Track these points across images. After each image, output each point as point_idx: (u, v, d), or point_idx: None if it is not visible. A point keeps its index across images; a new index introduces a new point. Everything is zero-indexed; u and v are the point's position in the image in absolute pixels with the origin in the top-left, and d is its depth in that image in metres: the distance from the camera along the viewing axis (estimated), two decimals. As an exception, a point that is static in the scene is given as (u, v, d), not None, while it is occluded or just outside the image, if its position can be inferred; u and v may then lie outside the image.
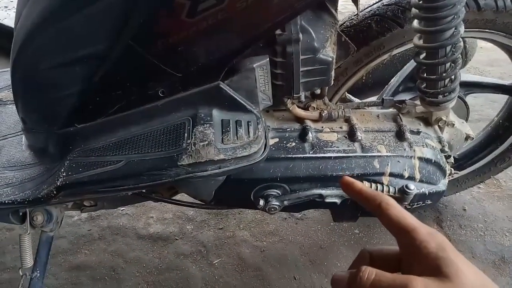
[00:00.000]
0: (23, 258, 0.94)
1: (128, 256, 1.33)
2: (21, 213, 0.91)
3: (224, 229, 1.41)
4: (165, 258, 1.32)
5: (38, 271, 0.95)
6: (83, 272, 1.28)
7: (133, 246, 1.36)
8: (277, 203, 0.85)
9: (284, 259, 1.30)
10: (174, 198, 1.03)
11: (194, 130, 0.73)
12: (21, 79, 0.77)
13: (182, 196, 1.04)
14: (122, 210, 1.50)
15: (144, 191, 0.91)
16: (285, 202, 0.86)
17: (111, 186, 0.73)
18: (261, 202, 0.85)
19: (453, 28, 0.78)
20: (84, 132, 0.79)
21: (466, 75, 1.24)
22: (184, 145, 0.71)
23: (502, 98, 1.29)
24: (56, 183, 0.74)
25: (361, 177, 0.84)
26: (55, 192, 0.75)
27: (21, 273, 0.93)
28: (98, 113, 0.77)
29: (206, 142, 0.70)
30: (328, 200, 0.86)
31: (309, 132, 0.87)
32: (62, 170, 0.75)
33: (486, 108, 1.98)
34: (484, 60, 2.47)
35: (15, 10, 0.78)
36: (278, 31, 0.73)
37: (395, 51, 0.99)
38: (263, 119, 0.80)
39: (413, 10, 0.80)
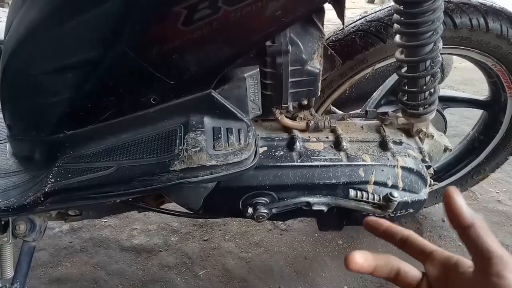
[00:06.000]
0: (3, 269, 0.91)
1: (111, 268, 1.30)
2: (3, 222, 0.89)
3: (209, 240, 1.40)
4: (149, 270, 1.30)
5: (18, 283, 0.92)
6: (63, 285, 1.24)
7: (116, 258, 1.34)
8: (266, 211, 0.86)
9: (269, 270, 1.30)
10: (161, 207, 1.02)
11: (186, 137, 0.73)
12: (11, 85, 0.77)
13: (168, 207, 1.04)
14: (104, 221, 1.47)
15: (132, 198, 0.91)
16: (273, 210, 0.88)
17: (102, 192, 0.72)
18: (250, 210, 0.86)
19: (433, 43, 0.83)
20: (74, 138, 0.78)
21: (443, 90, 1.30)
22: (176, 151, 0.72)
23: (476, 115, 1.35)
24: (44, 189, 0.73)
25: (346, 185, 0.87)
26: (42, 199, 0.74)
27: (0, 285, 0.90)
28: (89, 119, 0.76)
29: (198, 148, 0.71)
30: (315, 207, 0.87)
31: (297, 142, 0.89)
32: (50, 176, 0.75)
33: (461, 124, 2.06)
34: (458, 79, 2.59)
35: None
36: (268, 43, 0.76)
37: (378, 65, 1.03)
38: (253, 127, 0.81)
39: (395, 25, 0.85)
